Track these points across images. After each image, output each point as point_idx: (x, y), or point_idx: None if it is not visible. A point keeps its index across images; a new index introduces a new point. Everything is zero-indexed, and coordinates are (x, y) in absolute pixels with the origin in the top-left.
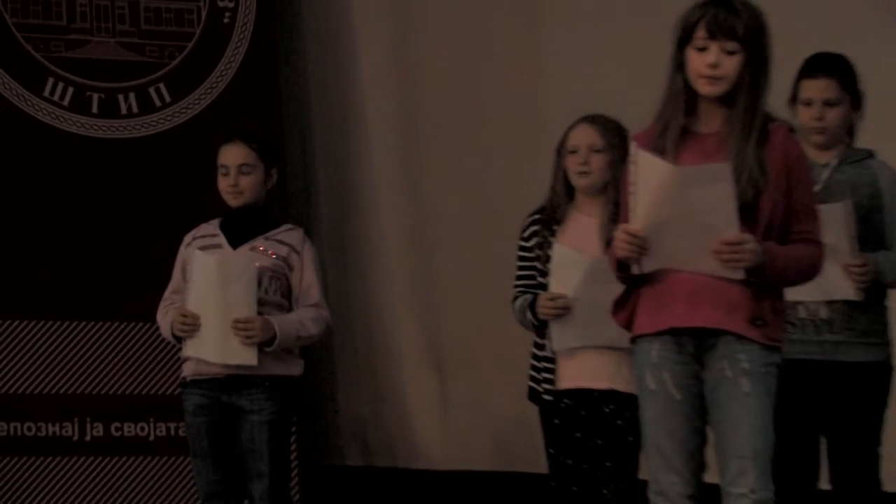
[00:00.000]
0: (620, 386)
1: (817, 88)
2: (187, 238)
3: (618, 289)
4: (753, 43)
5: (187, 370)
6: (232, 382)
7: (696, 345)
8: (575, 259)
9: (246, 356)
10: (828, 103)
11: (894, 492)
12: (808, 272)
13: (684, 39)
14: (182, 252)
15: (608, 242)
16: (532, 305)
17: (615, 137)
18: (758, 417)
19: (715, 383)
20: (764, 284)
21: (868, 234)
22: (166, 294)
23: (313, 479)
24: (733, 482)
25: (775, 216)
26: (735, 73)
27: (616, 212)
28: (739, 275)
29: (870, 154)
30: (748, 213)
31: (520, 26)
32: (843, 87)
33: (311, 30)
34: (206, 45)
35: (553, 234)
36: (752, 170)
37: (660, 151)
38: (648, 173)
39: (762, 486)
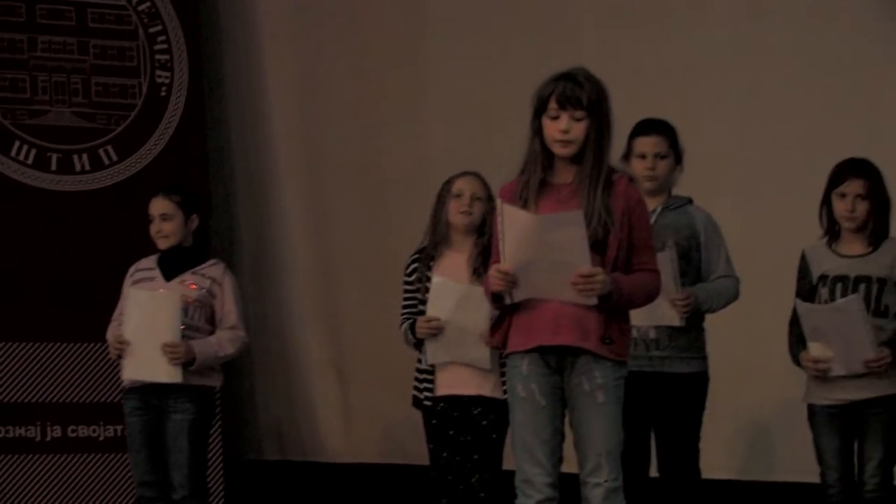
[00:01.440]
0: (486, 392)
1: (650, 144)
2: (131, 270)
3: (482, 315)
4: (597, 110)
5: (126, 380)
6: (162, 389)
7: (559, 360)
8: (450, 287)
9: (172, 374)
10: (658, 156)
11: (711, 478)
12: (649, 296)
13: (540, 109)
14: (126, 283)
15: (475, 271)
16: (412, 327)
17: (489, 191)
18: (610, 422)
19: (575, 394)
20: (613, 308)
21: (688, 269)
22: (115, 316)
23: (237, 471)
24: (591, 474)
25: (620, 251)
26: (582, 136)
27: (484, 249)
28: (593, 301)
29: (689, 201)
30: (599, 249)
31: (408, 95)
32: (670, 145)
33: (234, 101)
34: (146, 113)
35: (430, 269)
36: (601, 213)
37: (524, 200)
38: (512, 222)
39: (614, 477)
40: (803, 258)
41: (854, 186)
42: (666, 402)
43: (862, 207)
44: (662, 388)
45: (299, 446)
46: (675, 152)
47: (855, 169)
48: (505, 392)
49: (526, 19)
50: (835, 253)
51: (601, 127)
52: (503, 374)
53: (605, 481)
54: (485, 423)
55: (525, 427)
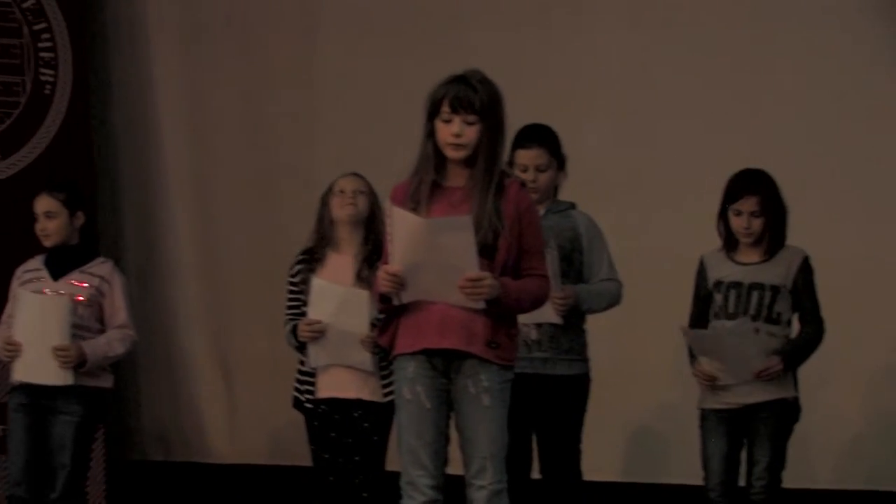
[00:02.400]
0: (366, 395)
1: (530, 157)
2: (18, 272)
3: (363, 318)
4: (490, 114)
5: (15, 379)
6: (51, 389)
7: (445, 363)
8: (330, 290)
9: (63, 377)
10: (539, 169)
11: (593, 480)
12: (538, 301)
13: (433, 112)
14: (13, 284)
15: (359, 273)
16: (295, 329)
17: (371, 187)
18: (495, 425)
19: (461, 397)
20: (501, 313)
21: (569, 272)
22: (3, 318)
23: (119, 472)
24: (476, 476)
25: (510, 255)
26: (475, 140)
27: (370, 253)
28: (481, 305)
29: (572, 205)
30: (488, 253)
31: (297, 98)
32: (552, 155)
33: (121, 101)
34: (31, 111)
35: (314, 271)
36: (492, 218)
37: (416, 202)
38: (402, 225)
39: (498, 479)
40: (701, 264)
41: (749, 204)
42: (547, 404)
43: (757, 224)
44: (544, 389)
45: (184, 447)
46: (557, 160)
47: (749, 185)
48: (385, 395)
49: (416, 22)
50: (731, 260)
51: (494, 131)
52: (384, 377)
53: (490, 484)
54: (366, 425)
55: (410, 429)
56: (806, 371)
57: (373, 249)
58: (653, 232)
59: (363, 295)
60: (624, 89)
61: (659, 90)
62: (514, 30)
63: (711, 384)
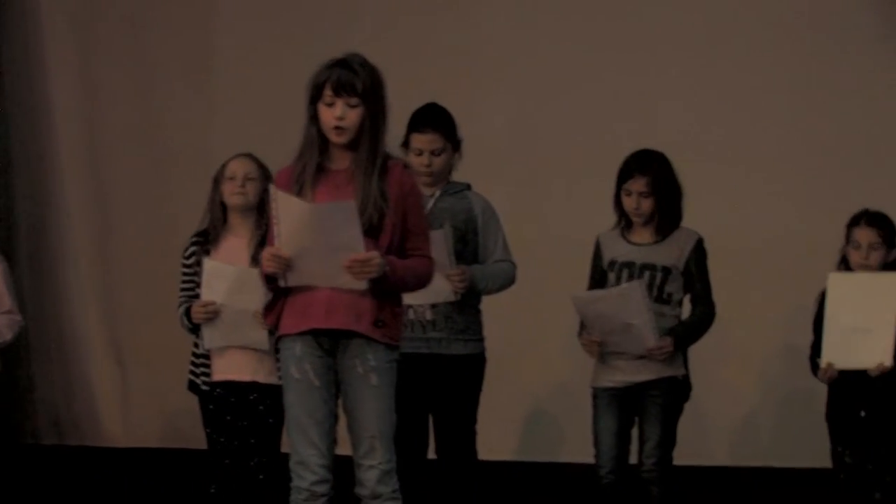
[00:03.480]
0: (261, 378)
1: (426, 141)
2: None
3: (258, 297)
4: (372, 97)
5: None
6: None
7: (332, 343)
8: (223, 271)
9: None
10: (434, 153)
11: (488, 459)
12: (422, 280)
13: (315, 96)
14: None
15: (254, 255)
16: (188, 311)
17: (264, 171)
18: (383, 404)
19: (348, 377)
20: (387, 292)
21: (465, 252)
22: None
23: (11, 456)
24: (365, 456)
25: (395, 236)
26: (358, 123)
27: (264, 234)
28: (365, 285)
29: (467, 187)
30: (373, 234)
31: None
32: (447, 138)
33: (12, 88)
34: None
35: (208, 252)
36: (376, 199)
37: (300, 185)
38: (286, 209)
39: (387, 459)
40: (597, 244)
41: (639, 184)
42: (443, 384)
43: (647, 204)
44: (439, 369)
45: (76, 431)
46: (452, 143)
47: (640, 165)
48: (280, 377)
49: (312, 4)
50: (625, 240)
51: (376, 114)
52: (279, 360)
53: (379, 463)
54: (261, 408)
55: (299, 408)
56: (701, 349)
57: (267, 232)
58: (548, 213)
59: (257, 273)
60: (520, 71)
61: (555, 72)
62: (410, 13)
63: (598, 350)
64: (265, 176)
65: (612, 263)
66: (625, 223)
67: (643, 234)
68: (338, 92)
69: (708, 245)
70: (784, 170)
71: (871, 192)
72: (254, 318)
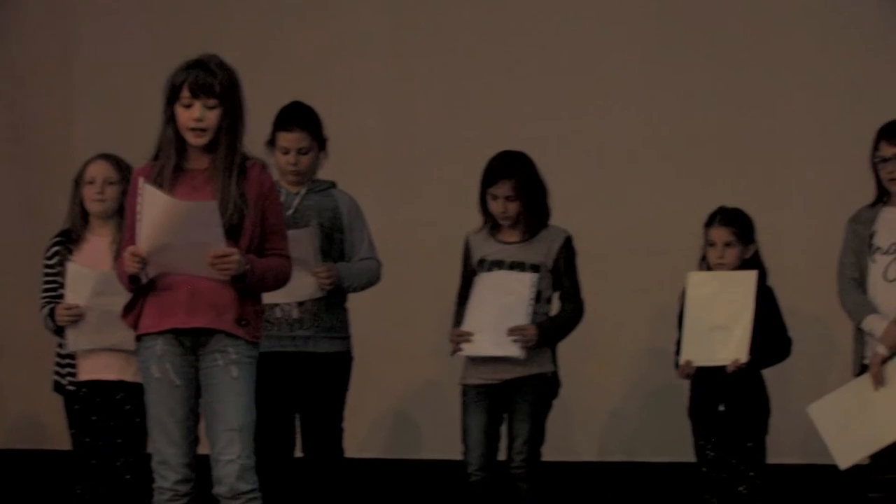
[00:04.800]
0: (128, 377)
1: (292, 140)
2: None
3: (122, 298)
4: (229, 98)
5: None
6: None
7: (194, 341)
8: (85, 274)
9: None
10: (301, 151)
11: (356, 457)
12: (281, 280)
13: (172, 97)
14: None
15: (117, 255)
16: (52, 313)
17: (125, 172)
18: (243, 398)
19: (209, 371)
20: (247, 290)
21: (330, 251)
22: None
23: None
24: (223, 451)
25: (254, 236)
26: (216, 124)
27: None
28: (226, 278)
29: (332, 185)
30: (234, 234)
31: (55, 79)
32: (313, 137)
33: None
34: None
35: (71, 252)
36: (236, 200)
37: (158, 186)
38: (152, 203)
39: (247, 454)
40: (466, 244)
41: (504, 189)
42: (310, 382)
43: (513, 207)
44: (306, 367)
45: None
46: (318, 142)
47: (504, 170)
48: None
49: (176, 4)
50: (494, 239)
51: (234, 114)
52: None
53: (238, 457)
54: (128, 407)
55: (160, 407)
56: (568, 346)
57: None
58: (414, 211)
59: (114, 275)
60: (386, 69)
61: (420, 69)
62: (277, 12)
63: (467, 342)
64: (126, 178)
65: (482, 262)
66: (492, 224)
67: (512, 234)
68: (195, 93)
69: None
70: (649, 169)
71: (734, 191)
72: (119, 319)
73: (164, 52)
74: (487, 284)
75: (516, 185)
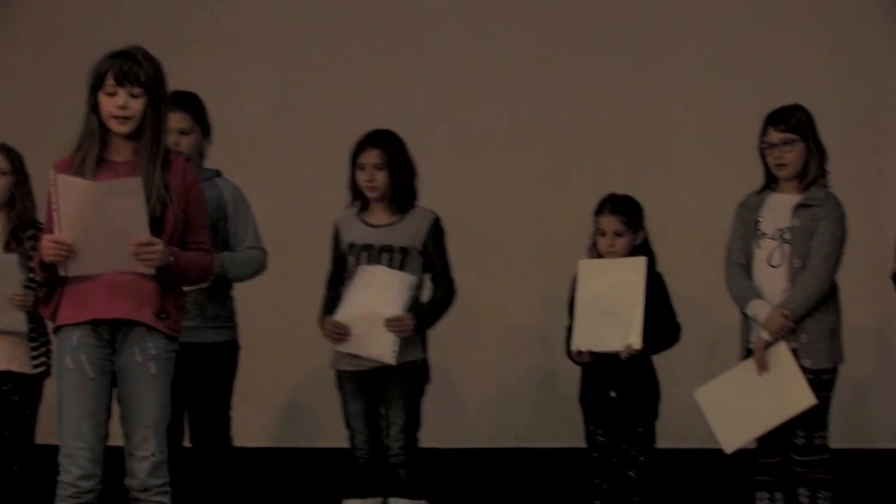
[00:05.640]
0: (15, 367)
1: (173, 120)
2: None
3: (14, 281)
4: (154, 88)
5: None
6: None
7: (111, 333)
8: None
9: None
10: (182, 132)
11: (245, 446)
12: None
13: (96, 86)
14: None
15: (7, 244)
16: None
17: (17, 162)
18: (160, 395)
19: (127, 366)
20: (168, 283)
21: (216, 239)
22: None
23: None
24: (137, 447)
25: (177, 229)
26: (140, 113)
27: (15, 226)
28: (150, 271)
29: (217, 173)
30: (157, 226)
31: None
32: (195, 120)
33: None
34: None
35: None
36: (160, 191)
37: (80, 177)
38: (67, 191)
39: (160, 449)
40: (335, 228)
41: (371, 156)
42: (196, 372)
43: (381, 177)
44: (192, 358)
45: None
46: (201, 126)
47: (373, 140)
48: (35, 367)
49: None
50: (363, 222)
51: (158, 105)
52: (34, 349)
53: (152, 454)
54: (16, 398)
55: (71, 399)
56: (458, 333)
57: (18, 225)
58: (300, 200)
59: (10, 258)
60: (272, 56)
61: (306, 57)
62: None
63: (340, 336)
64: (18, 169)
65: (352, 246)
66: (361, 204)
67: (380, 216)
68: (120, 81)
69: (463, 228)
70: (540, 157)
71: (624, 178)
72: (10, 301)
73: (60, 41)
74: (366, 279)
75: (385, 154)
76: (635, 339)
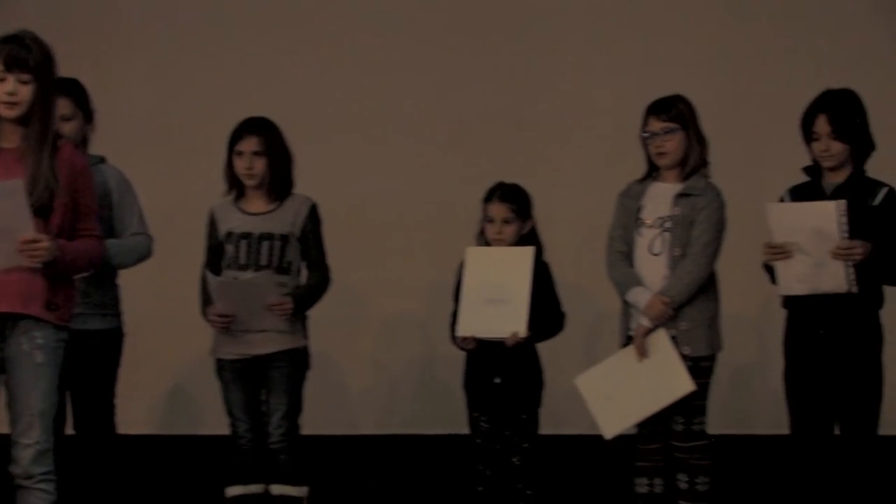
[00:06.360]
0: None
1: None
2: None
3: None
4: (43, 73)
5: None
6: None
7: (0, 325)
8: None
9: None
10: (63, 118)
11: (130, 433)
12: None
13: None
14: None
15: None
16: None
17: None
18: (46, 383)
19: (14, 355)
20: (57, 275)
21: (101, 226)
22: None
23: None
24: (22, 434)
25: (66, 216)
26: (29, 99)
27: None
28: (38, 265)
29: (101, 160)
30: (44, 214)
31: None
32: (77, 105)
33: None
34: None
35: None
36: (47, 178)
37: None
38: None
39: (45, 438)
40: (211, 215)
41: (250, 144)
42: (80, 360)
43: (259, 164)
44: (76, 345)
45: None
46: (83, 111)
47: (251, 127)
48: None
49: None
50: (240, 210)
51: (48, 91)
52: None
53: (36, 442)
54: None
55: None
56: (342, 321)
57: None
58: (186, 186)
59: None
60: (158, 43)
61: (193, 43)
62: None
63: (227, 327)
64: None
65: (230, 235)
66: (237, 192)
67: (258, 203)
68: (9, 67)
69: (345, 216)
70: (429, 143)
71: (512, 166)
72: None
73: None
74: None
75: (262, 141)
76: (521, 328)
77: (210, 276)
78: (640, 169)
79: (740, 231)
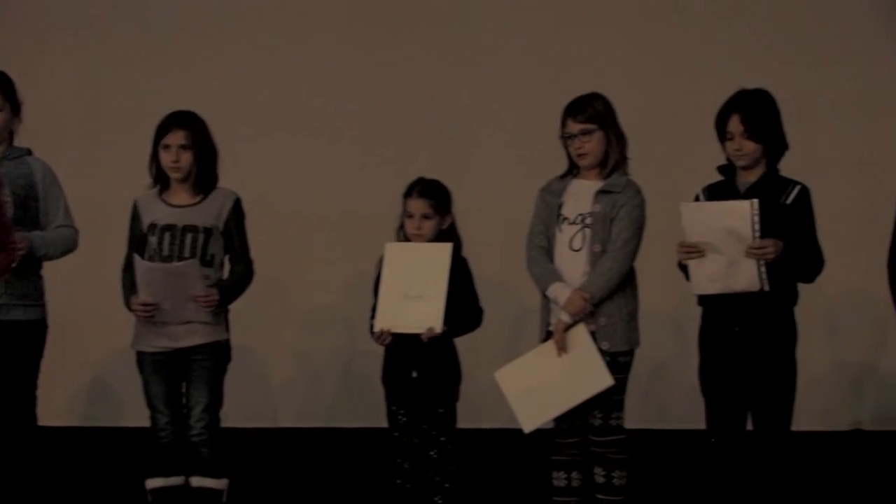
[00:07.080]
0: None
1: None
2: None
3: None
4: None
5: None
6: None
7: None
8: None
9: None
10: None
11: (51, 425)
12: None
13: None
14: None
15: None
16: None
17: None
18: None
19: None
20: None
21: (25, 218)
22: None
23: None
24: None
25: None
26: None
27: None
28: None
29: (28, 152)
30: None
31: None
32: (5, 97)
33: None
34: None
35: None
36: None
37: None
38: None
39: None
40: (135, 207)
41: (177, 137)
42: (2, 350)
43: (186, 157)
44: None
45: None
46: (11, 104)
47: (178, 120)
48: None
49: None
50: (165, 202)
51: None
52: None
53: None
54: None
55: None
56: (267, 314)
57: None
58: (112, 177)
59: None
60: (82, 35)
61: (112, 32)
62: None
63: (150, 316)
64: None
65: (153, 227)
66: (161, 185)
67: (182, 196)
68: None
69: (268, 210)
70: (350, 137)
71: (433, 162)
72: None
73: None
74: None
75: (189, 135)
76: (437, 323)
77: (138, 260)
78: (561, 165)
79: (660, 228)
